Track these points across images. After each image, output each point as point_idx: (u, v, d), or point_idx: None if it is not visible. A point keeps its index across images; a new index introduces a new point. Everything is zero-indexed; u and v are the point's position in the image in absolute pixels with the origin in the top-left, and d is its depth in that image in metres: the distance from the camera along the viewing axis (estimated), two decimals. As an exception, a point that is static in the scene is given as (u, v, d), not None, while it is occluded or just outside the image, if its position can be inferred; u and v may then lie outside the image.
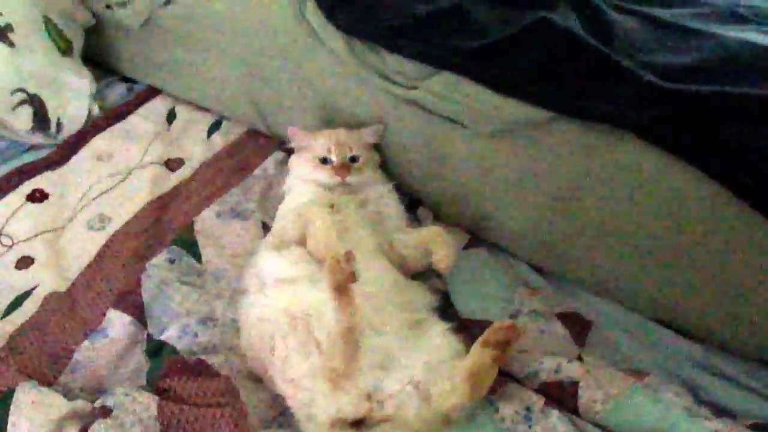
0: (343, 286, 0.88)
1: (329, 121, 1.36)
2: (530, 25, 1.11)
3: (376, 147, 1.31)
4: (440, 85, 1.16)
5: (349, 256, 0.88)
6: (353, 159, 1.21)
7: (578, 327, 1.11)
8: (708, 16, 1.21)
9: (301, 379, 0.91)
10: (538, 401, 0.97)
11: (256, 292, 1.05)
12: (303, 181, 1.23)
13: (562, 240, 1.17)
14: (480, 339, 0.93)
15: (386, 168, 1.32)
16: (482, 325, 1.10)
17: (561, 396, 0.99)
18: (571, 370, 1.01)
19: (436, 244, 1.09)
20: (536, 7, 1.18)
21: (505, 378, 1.02)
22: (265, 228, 1.27)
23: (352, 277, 0.88)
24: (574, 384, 1.00)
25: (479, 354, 0.92)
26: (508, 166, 1.17)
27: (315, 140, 1.24)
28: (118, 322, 1.07)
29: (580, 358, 1.05)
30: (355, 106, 1.31)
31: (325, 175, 1.19)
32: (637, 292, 1.13)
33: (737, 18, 1.21)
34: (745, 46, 1.07)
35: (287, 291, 1.00)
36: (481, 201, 1.24)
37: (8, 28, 1.42)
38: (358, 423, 0.91)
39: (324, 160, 1.21)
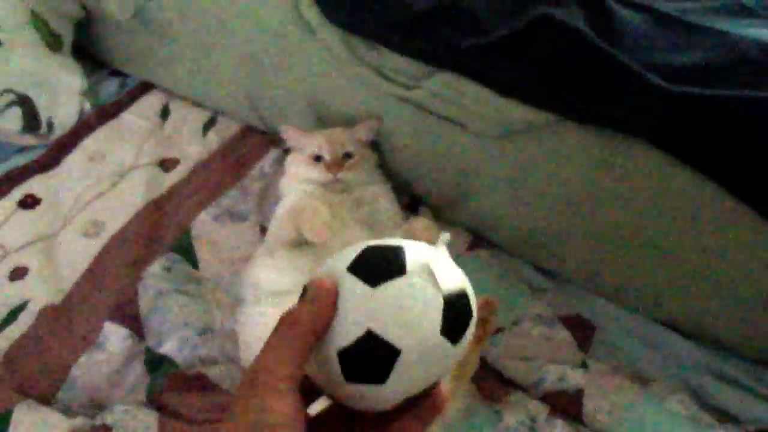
0: None
1: (323, 120, 1.32)
2: (533, 22, 1.05)
3: (375, 147, 1.27)
4: (440, 85, 1.12)
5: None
6: (347, 156, 1.19)
7: (582, 331, 1.10)
8: (717, 11, 1.16)
9: None
10: (542, 411, 0.97)
11: (253, 304, 1.03)
12: (297, 181, 1.20)
13: (566, 242, 1.15)
14: None
15: (385, 167, 1.29)
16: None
17: (565, 405, 0.98)
18: (576, 378, 1.01)
19: (423, 233, 1.06)
20: (540, 2, 1.12)
21: (509, 387, 1.01)
22: (263, 231, 1.24)
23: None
24: (579, 393, 0.99)
25: None
26: (512, 167, 1.13)
27: (309, 139, 1.21)
28: (115, 336, 1.05)
29: (584, 365, 1.04)
30: (351, 105, 1.27)
31: (317, 172, 1.17)
32: (643, 294, 1.11)
33: (747, 12, 1.17)
34: (754, 45, 1.03)
35: (284, 303, 0.98)
36: (483, 201, 1.21)
37: (-7, 25, 1.36)
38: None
39: (317, 158, 1.18)
